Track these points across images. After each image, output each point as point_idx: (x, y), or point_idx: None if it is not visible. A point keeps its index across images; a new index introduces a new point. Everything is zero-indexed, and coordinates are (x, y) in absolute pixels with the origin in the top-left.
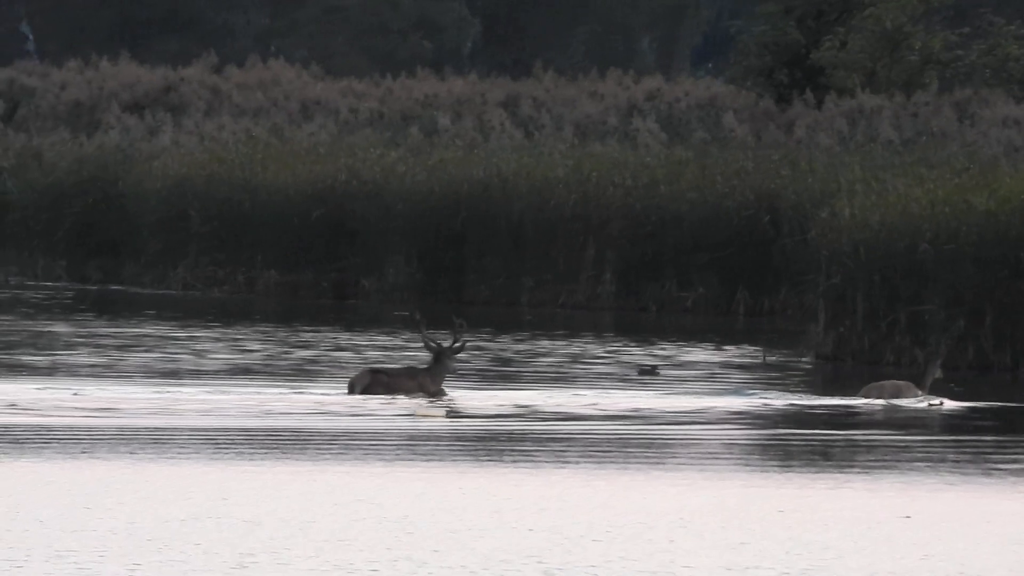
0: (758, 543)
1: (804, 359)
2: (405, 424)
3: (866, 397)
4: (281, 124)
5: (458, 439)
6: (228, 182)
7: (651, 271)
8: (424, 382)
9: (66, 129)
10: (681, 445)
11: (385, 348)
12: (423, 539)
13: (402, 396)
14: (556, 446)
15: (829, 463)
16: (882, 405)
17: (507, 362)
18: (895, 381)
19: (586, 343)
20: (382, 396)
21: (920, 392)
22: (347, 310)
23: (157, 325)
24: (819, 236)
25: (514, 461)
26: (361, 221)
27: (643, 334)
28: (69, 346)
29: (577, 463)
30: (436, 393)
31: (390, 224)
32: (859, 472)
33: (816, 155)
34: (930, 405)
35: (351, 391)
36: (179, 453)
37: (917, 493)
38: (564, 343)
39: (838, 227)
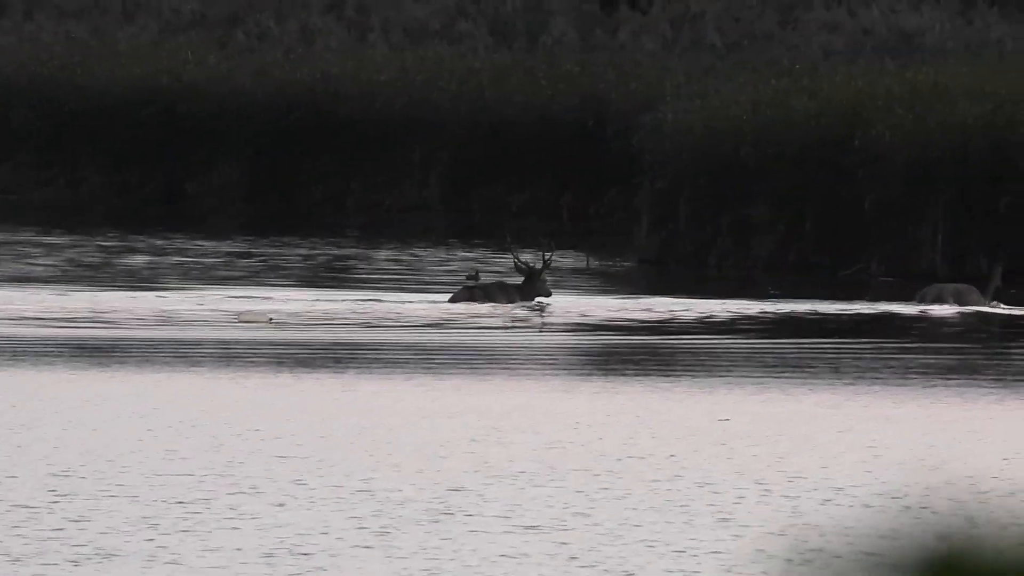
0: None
1: (627, 263)
2: (276, 335)
3: (922, 301)
4: (103, 25)
5: (297, 349)
6: (50, 84)
7: (479, 175)
8: (513, 299)
9: None
10: (499, 352)
11: (212, 254)
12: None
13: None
14: (369, 354)
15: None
16: (950, 311)
17: (339, 268)
18: (956, 284)
19: (418, 249)
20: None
21: (983, 298)
22: (174, 213)
23: None
24: (643, 140)
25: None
26: (188, 124)
27: (470, 238)
28: None
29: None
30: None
31: (217, 127)
32: (680, 377)
33: (641, 60)
34: (993, 308)
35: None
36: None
37: (735, 397)
38: (395, 249)
39: (662, 131)
